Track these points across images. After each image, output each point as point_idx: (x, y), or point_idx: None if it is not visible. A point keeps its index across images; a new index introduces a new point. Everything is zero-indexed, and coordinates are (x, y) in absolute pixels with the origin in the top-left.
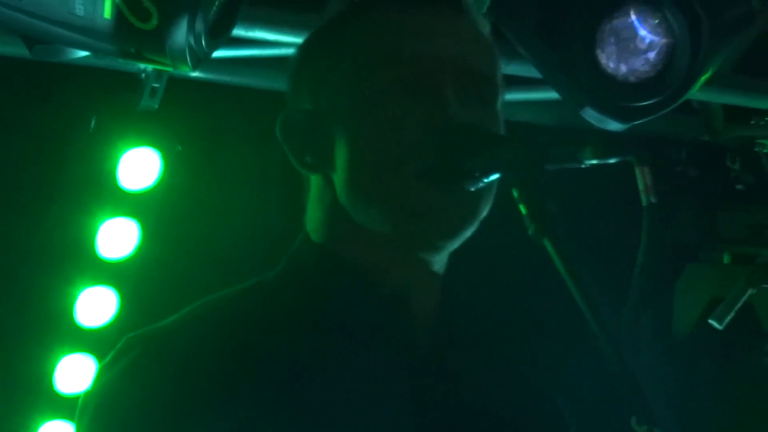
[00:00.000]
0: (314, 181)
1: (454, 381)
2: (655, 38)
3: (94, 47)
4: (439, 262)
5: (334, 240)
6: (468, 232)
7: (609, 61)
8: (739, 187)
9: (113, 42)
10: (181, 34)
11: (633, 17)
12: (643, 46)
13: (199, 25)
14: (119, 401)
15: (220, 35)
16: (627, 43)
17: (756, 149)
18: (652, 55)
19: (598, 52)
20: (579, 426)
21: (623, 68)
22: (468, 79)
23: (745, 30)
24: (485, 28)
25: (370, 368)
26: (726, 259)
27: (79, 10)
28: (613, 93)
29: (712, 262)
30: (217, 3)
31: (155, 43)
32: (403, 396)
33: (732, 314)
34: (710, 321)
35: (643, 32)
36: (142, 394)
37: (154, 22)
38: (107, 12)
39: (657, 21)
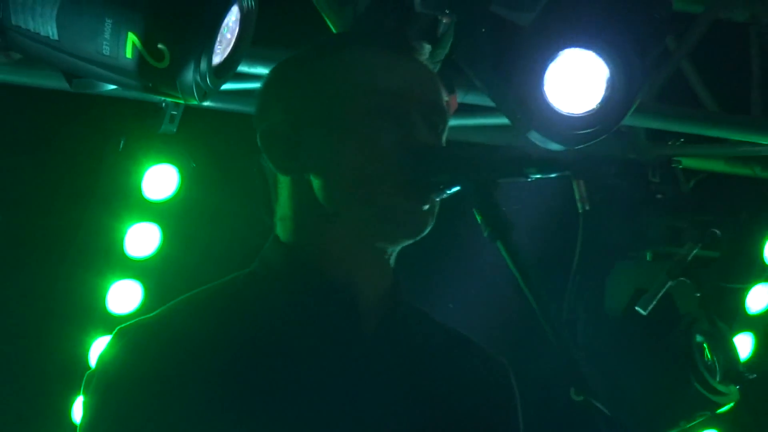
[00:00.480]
0: (288, 183)
1: (392, 360)
2: (595, 76)
3: (119, 82)
4: (393, 256)
5: (299, 236)
6: (424, 234)
7: (555, 96)
8: (659, 196)
9: (134, 78)
10: (188, 73)
11: (576, 59)
12: (584, 83)
13: (204, 66)
14: (115, 379)
15: (225, 74)
16: (571, 80)
17: (673, 165)
18: (592, 90)
19: (546, 88)
20: (525, 399)
21: (567, 102)
22: (428, 108)
23: (663, 66)
24: (435, 69)
25: (321, 350)
26: (648, 256)
27: (106, 50)
28: (559, 122)
29: (637, 260)
30: (219, 48)
31: (167, 80)
32: (346, 373)
33: (654, 302)
34: (636, 308)
35: (584, 71)
36: (134, 372)
37: (167, 62)
38: (129, 52)
39: (597, 62)
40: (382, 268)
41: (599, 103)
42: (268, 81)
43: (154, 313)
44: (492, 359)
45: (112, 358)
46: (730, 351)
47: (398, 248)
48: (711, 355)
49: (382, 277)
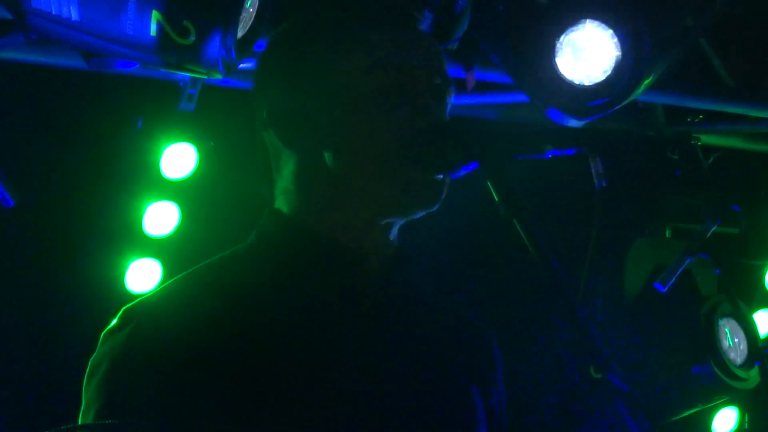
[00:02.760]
0: (293, 157)
1: (393, 326)
2: (604, 49)
3: (142, 59)
4: (395, 229)
5: (305, 208)
6: (434, 209)
7: (566, 67)
8: (677, 173)
9: (157, 55)
10: (214, 48)
11: (587, 32)
12: (594, 55)
13: (229, 41)
14: (124, 363)
15: (248, 48)
16: (581, 53)
17: (692, 142)
18: (601, 63)
19: (557, 60)
20: (543, 375)
21: (578, 73)
22: (434, 79)
23: (680, 43)
24: (453, 47)
25: (325, 320)
26: (667, 233)
27: (129, 29)
28: (570, 93)
29: (656, 236)
30: (243, 23)
31: (192, 56)
32: (349, 345)
33: (673, 279)
34: (655, 285)
35: (594, 44)
36: (143, 356)
37: (192, 38)
38: (153, 30)
39: (606, 35)
40: (387, 237)
41: (609, 75)
42: (271, 51)
43: (155, 290)
44: (479, 331)
45: (121, 340)
46: (753, 334)
47: (403, 221)
48: (732, 339)
49: (385, 247)
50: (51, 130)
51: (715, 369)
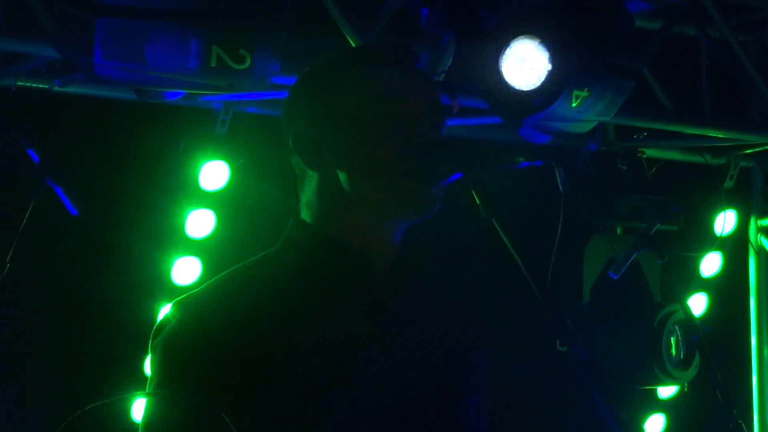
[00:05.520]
0: (315, 176)
1: (401, 317)
2: (538, 60)
3: (201, 86)
4: (399, 233)
5: (324, 219)
6: (432, 213)
7: (508, 73)
8: (626, 181)
9: (216, 80)
10: (264, 68)
11: (523, 46)
12: (529, 65)
13: (275, 58)
14: (178, 343)
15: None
16: (519, 62)
17: (638, 155)
18: (534, 72)
19: (501, 67)
20: (519, 348)
21: (517, 79)
22: (428, 108)
23: (622, 76)
24: (439, 78)
25: (343, 308)
26: (619, 231)
27: (192, 63)
28: (511, 96)
29: (609, 233)
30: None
31: (247, 77)
32: (365, 326)
33: (624, 269)
34: (609, 273)
35: (529, 56)
36: (195, 336)
37: (248, 63)
38: (213, 62)
39: (539, 49)
40: (391, 241)
41: (543, 82)
42: (295, 90)
43: (203, 286)
44: (470, 313)
45: (175, 324)
46: (696, 340)
47: (405, 226)
48: (676, 345)
49: (390, 248)
50: (108, 151)
51: (654, 365)
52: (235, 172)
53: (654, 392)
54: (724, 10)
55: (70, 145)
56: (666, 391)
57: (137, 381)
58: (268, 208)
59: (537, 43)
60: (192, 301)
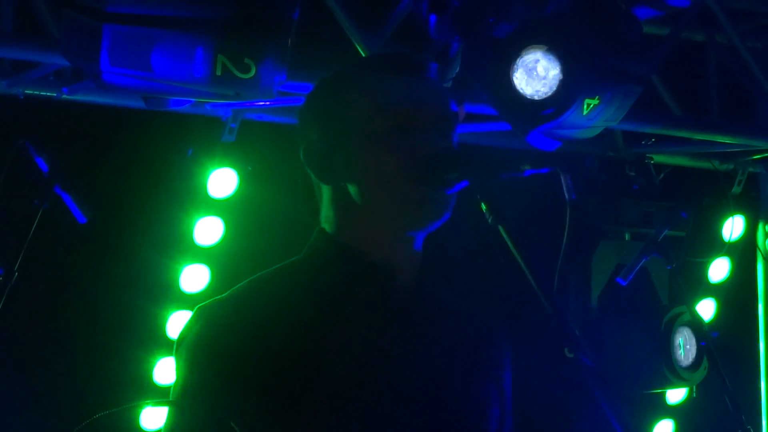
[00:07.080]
0: (328, 189)
1: (421, 317)
2: (549, 70)
3: (206, 95)
4: (418, 242)
5: (343, 230)
6: (444, 220)
7: (519, 82)
8: (635, 187)
9: (221, 90)
10: (270, 78)
11: (534, 56)
12: (540, 75)
13: (281, 67)
14: (200, 349)
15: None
16: (531, 72)
17: (646, 161)
18: (545, 81)
19: (513, 76)
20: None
21: (528, 88)
22: (438, 118)
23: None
24: (447, 85)
25: (367, 317)
26: (627, 237)
27: (198, 72)
28: (522, 105)
29: (617, 239)
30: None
31: (252, 86)
32: (389, 336)
33: (632, 275)
34: (617, 280)
35: (540, 67)
36: (216, 343)
37: (253, 72)
38: (218, 71)
39: (549, 59)
40: (411, 250)
41: (554, 92)
42: (306, 105)
43: (226, 293)
44: (494, 333)
45: (199, 330)
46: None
47: (424, 234)
48: (685, 346)
49: (412, 258)
50: (117, 159)
51: (664, 367)
52: (244, 179)
53: (662, 398)
54: (732, 16)
55: (79, 153)
56: (674, 397)
57: (146, 388)
58: (277, 216)
59: (547, 53)
60: (215, 307)
